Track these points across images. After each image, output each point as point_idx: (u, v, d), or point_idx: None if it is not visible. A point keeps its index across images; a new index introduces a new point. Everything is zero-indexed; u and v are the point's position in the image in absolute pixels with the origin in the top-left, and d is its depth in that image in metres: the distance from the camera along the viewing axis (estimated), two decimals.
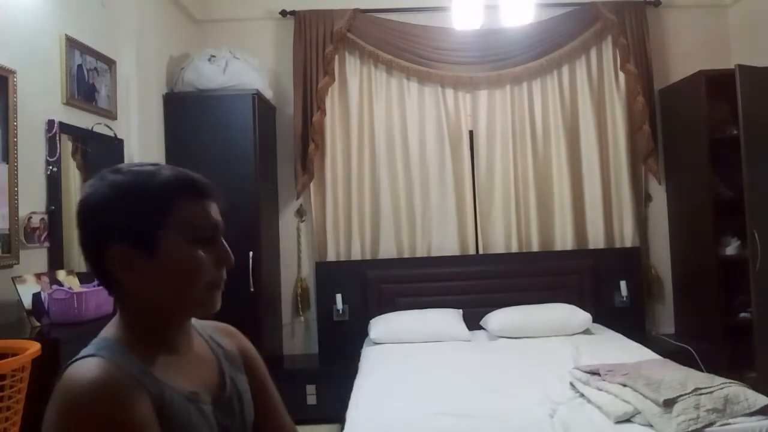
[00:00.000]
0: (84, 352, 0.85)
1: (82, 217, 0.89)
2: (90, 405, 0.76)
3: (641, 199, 4.20)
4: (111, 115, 2.94)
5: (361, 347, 3.59)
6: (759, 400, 2.17)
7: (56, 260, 2.43)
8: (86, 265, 0.92)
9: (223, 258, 0.92)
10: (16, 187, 2.19)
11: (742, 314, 3.74)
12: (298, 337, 4.15)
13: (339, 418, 2.80)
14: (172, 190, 0.89)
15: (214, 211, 0.93)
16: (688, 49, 4.23)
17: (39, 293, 2.13)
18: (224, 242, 0.93)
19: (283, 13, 4.12)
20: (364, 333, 3.68)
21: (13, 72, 2.20)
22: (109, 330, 0.90)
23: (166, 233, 0.87)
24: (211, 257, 0.90)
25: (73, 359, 0.84)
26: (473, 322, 3.73)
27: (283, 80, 4.17)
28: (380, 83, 4.13)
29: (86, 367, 0.81)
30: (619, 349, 3.12)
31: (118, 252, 0.86)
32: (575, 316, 3.60)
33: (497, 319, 3.66)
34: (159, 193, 0.88)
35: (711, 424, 2.07)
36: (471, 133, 4.18)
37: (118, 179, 0.89)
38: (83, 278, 2.46)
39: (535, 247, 4.10)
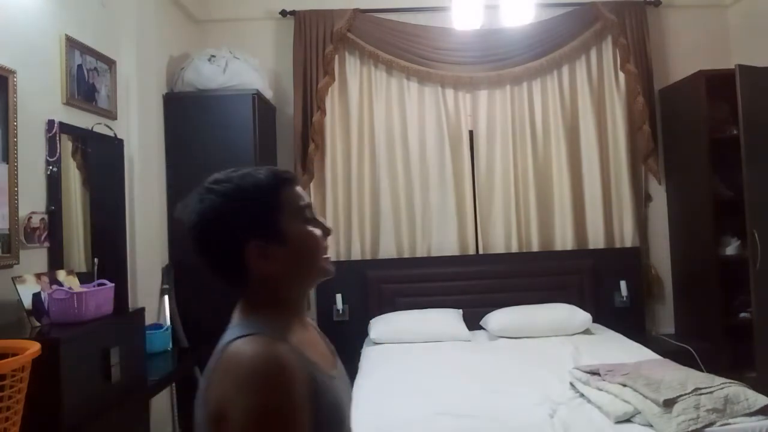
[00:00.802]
0: (240, 332, 0.92)
1: (207, 232, 0.98)
2: (268, 376, 0.84)
3: (641, 199, 4.20)
4: (111, 115, 2.94)
5: (361, 347, 3.59)
6: (759, 400, 2.17)
7: (56, 260, 2.43)
8: (213, 271, 1.00)
9: (326, 229, 1.05)
10: (16, 187, 2.18)
11: (742, 314, 3.74)
12: None
13: None
14: (276, 183, 1.00)
15: (303, 192, 1.05)
16: (688, 49, 4.23)
17: (39, 293, 2.13)
18: (319, 217, 1.06)
19: (283, 13, 4.12)
20: (364, 333, 3.68)
21: (13, 72, 2.20)
22: (248, 316, 0.98)
23: (286, 220, 0.99)
24: (317, 230, 1.03)
25: (231, 339, 0.91)
26: (473, 322, 3.73)
27: (283, 80, 4.17)
28: (380, 83, 4.13)
29: (254, 345, 0.88)
30: (619, 349, 3.12)
31: (255, 248, 0.96)
32: (575, 316, 3.60)
33: (497, 319, 3.66)
34: (269, 189, 0.99)
35: (711, 424, 2.07)
36: (471, 133, 4.18)
37: (227, 188, 0.98)
38: (83, 278, 2.46)
39: (535, 247, 4.10)
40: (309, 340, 1.04)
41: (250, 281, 0.99)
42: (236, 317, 1.00)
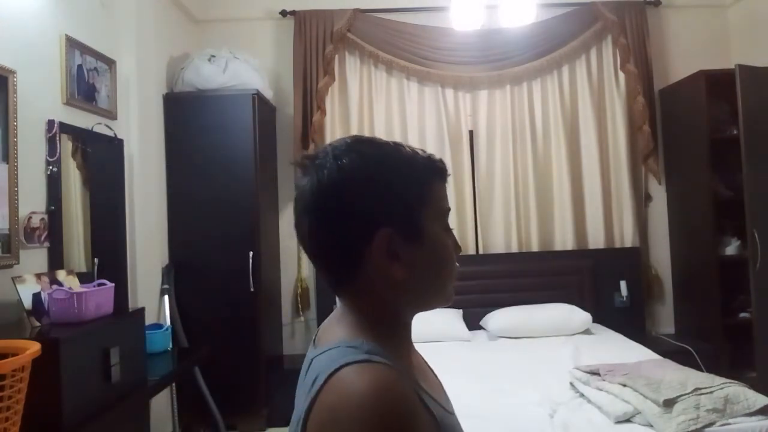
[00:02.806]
0: (347, 355, 0.70)
1: (337, 200, 0.75)
2: (387, 420, 0.62)
3: (641, 199, 4.20)
4: (111, 115, 2.94)
5: None
6: (759, 400, 2.17)
7: (56, 260, 2.43)
8: (320, 256, 0.78)
9: (457, 245, 0.83)
10: (16, 187, 2.18)
11: (742, 314, 3.74)
12: (298, 337, 4.15)
13: None
14: (430, 170, 0.79)
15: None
16: (688, 49, 4.23)
17: (39, 293, 2.13)
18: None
19: (283, 13, 4.12)
20: None
21: (13, 72, 2.20)
22: (351, 332, 0.76)
23: (426, 217, 0.77)
24: (451, 243, 0.81)
25: (338, 366, 0.68)
26: (473, 322, 3.73)
27: (283, 80, 4.17)
28: (380, 83, 4.13)
29: (367, 374, 0.66)
30: (619, 349, 3.12)
31: (386, 237, 0.74)
32: (575, 316, 3.60)
33: (497, 319, 3.66)
34: (424, 173, 0.78)
35: (711, 424, 2.07)
36: (471, 133, 4.18)
37: (372, 153, 0.77)
38: (83, 278, 2.46)
39: (535, 247, 4.10)
40: (422, 369, 0.84)
41: (360, 283, 0.77)
42: (339, 332, 0.77)
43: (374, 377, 0.65)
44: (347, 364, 0.68)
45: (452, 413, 0.82)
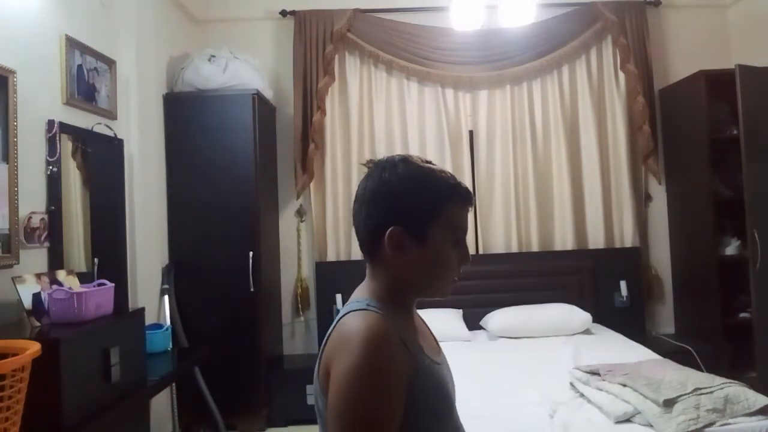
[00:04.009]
0: (355, 306, 1.00)
1: (372, 198, 1.04)
2: (370, 351, 0.89)
3: (641, 199, 4.20)
4: (111, 115, 2.94)
5: None
6: (759, 400, 2.17)
7: (56, 260, 2.43)
8: (361, 231, 1.06)
9: (465, 258, 1.07)
10: (16, 187, 2.19)
11: (742, 314, 3.74)
12: (298, 337, 4.15)
13: None
14: (450, 192, 1.04)
15: (468, 218, 1.09)
16: (688, 49, 4.23)
17: (39, 293, 2.13)
18: (467, 245, 1.08)
19: (283, 13, 4.12)
20: None
21: (13, 72, 2.20)
22: (365, 292, 1.05)
23: (437, 229, 1.02)
24: (457, 255, 1.05)
25: (347, 311, 0.99)
26: (473, 322, 3.73)
27: (283, 80, 4.17)
28: (380, 83, 4.13)
29: (365, 318, 0.95)
30: (619, 349, 3.12)
31: (394, 232, 1.01)
32: (575, 316, 3.60)
33: (497, 319, 3.66)
34: (442, 194, 1.03)
35: (711, 424, 2.07)
36: (471, 133, 4.18)
37: (409, 171, 1.04)
38: (83, 278, 2.46)
39: (535, 247, 4.10)
40: (418, 327, 1.10)
41: (379, 259, 1.04)
42: (356, 294, 1.06)
43: (366, 319, 0.95)
44: (352, 311, 0.99)
45: (440, 363, 1.07)
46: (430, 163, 1.08)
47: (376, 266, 1.07)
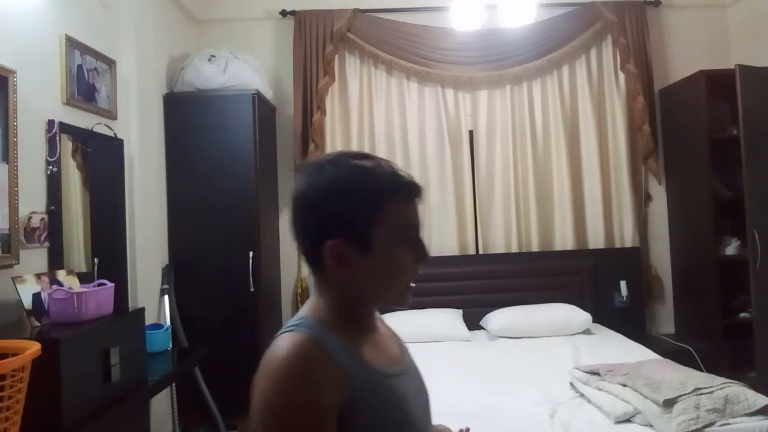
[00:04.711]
0: (286, 327, 0.92)
1: (303, 208, 0.94)
2: (284, 379, 0.83)
3: (641, 199, 4.20)
4: (111, 115, 2.94)
5: None
6: (759, 400, 2.17)
7: (56, 260, 2.43)
8: (297, 245, 0.97)
9: (422, 256, 0.95)
10: (16, 187, 2.18)
11: (742, 314, 3.74)
12: None
13: None
14: (389, 189, 0.92)
15: (419, 211, 0.96)
16: (688, 49, 4.23)
17: (39, 293, 2.13)
18: (423, 241, 0.96)
19: (283, 13, 4.12)
20: None
21: (13, 72, 2.20)
22: (308, 310, 0.95)
23: (378, 233, 0.90)
24: (411, 255, 0.94)
25: (280, 332, 0.91)
26: (473, 322, 3.73)
27: (283, 80, 4.17)
28: (380, 83, 4.13)
29: (289, 340, 0.88)
30: (619, 349, 3.12)
31: (334, 246, 0.90)
32: (575, 316, 3.60)
33: (497, 319, 3.66)
34: (379, 194, 0.91)
35: (711, 424, 2.07)
36: (471, 133, 4.18)
37: (339, 173, 0.92)
38: (83, 278, 2.46)
39: (535, 247, 4.10)
40: (376, 339, 0.99)
41: (324, 277, 0.95)
42: (302, 309, 0.98)
43: (290, 344, 0.87)
44: (284, 332, 0.91)
45: (396, 375, 0.96)
46: (366, 157, 0.95)
47: (321, 281, 0.96)
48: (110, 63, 2.95)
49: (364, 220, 0.90)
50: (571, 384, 2.58)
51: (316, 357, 0.85)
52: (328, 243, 0.90)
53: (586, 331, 3.59)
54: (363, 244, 0.90)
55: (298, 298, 4.11)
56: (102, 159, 2.81)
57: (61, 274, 2.34)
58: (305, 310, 0.96)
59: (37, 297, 2.11)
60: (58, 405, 1.81)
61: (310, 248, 0.94)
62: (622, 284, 3.99)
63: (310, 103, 3.99)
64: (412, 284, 0.96)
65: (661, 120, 4.22)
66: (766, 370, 3.36)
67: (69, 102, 2.58)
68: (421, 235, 0.97)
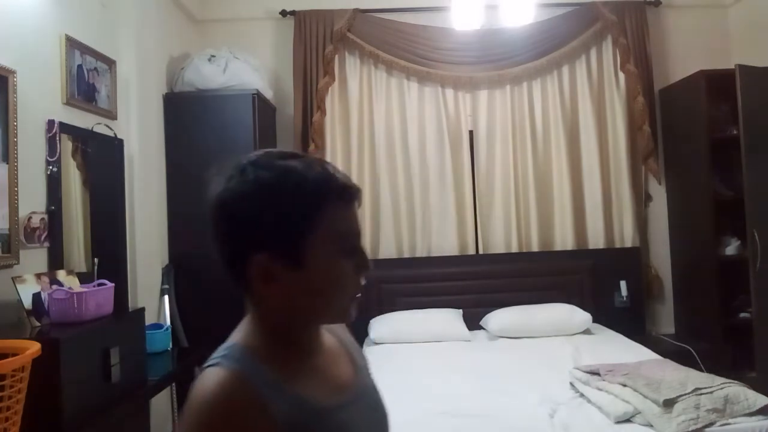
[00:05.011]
0: (214, 357, 0.80)
1: (221, 217, 0.81)
2: (209, 420, 0.73)
3: (641, 199, 4.20)
4: (111, 115, 2.94)
5: (361, 347, 3.58)
6: (759, 400, 2.17)
7: (56, 260, 2.43)
8: (220, 260, 0.83)
9: (364, 266, 0.84)
10: (16, 187, 2.18)
11: (742, 314, 3.73)
12: None
13: None
14: (322, 195, 0.80)
15: (357, 216, 0.85)
16: (688, 49, 4.23)
17: (39, 293, 2.13)
18: (363, 248, 0.85)
19: (283, 13, 4.12)
20: (363, 333, 3.68)
21: (13, 72, 2.20)
22: (239, 335, 0.84)
23: (312, 243, 0.78)
24: (352, 266, 0.83)
25: (207, 364, 0.79)
26: (473, 322, 3.73)
27: (283, 80, 4.16)
28: (380, 83, 4.13)
29: (211, 378, 0.76)
30: (619, 349, 3.12)
31: (259, 263, 0.78)
32: (575, 316, 3.60)
33: (497, 319, 3.66)
34: (310, 200, 0.79)
35: (711, 424, 2.07)
36: (471, 133, 4.18)
37: (263, 176, 0.79)
38: (83, 278, 2.46)
39: (535, 247, 4.10)
40: (312, 366, 0.86)
41: (252, 297, 0.83)
42: (233, 334, 0.85)
43: (214, 382, 0.75)
44: (210, 365, 0.78)
45: (337, 408, 0.83)
46: (293, 156, 0.82)
47: (250, 301, 0.84)
48: (110, 63, 2.95)
49: (294, 229, 0.78)
50: (571, 384, 2.58)
51: (240, 402, 0.74)
52: (253, 259, 0.78)
53: (586, 331, 3.59)
54: (294, 257, 0.78)
55: None
56: (102, 159, 2.82)
57: (61, 274, 2.34)
58: (236, 335, 0.84)
59: (37, 297, 2.12)
60: (58, 405, 1.81)
61: (232, 265, 0.81)
62: (622, 284, 3.99)
63: (310, 103, 3.99)
64: (358, 295, 0.85)
65: (661, 120, 4.22)
66: (766, 370, 3.36)
67: (69, 102, 2.58)
68: (361, 242, 0.86)
